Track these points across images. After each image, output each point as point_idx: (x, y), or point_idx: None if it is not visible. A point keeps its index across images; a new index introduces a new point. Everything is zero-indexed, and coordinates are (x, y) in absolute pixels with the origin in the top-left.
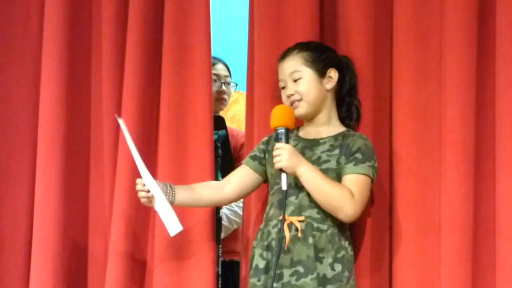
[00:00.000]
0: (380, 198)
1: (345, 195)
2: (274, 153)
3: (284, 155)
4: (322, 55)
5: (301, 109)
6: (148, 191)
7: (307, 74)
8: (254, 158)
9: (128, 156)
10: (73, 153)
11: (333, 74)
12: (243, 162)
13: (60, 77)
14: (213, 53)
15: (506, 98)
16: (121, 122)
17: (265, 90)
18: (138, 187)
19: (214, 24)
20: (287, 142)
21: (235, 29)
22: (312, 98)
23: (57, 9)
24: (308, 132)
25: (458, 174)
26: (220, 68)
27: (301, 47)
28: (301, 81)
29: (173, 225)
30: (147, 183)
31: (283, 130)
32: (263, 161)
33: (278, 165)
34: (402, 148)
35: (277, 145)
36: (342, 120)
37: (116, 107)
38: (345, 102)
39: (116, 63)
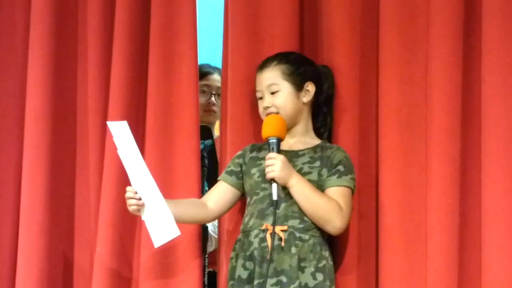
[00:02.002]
0: (366, 207)
1: (334, 208)
2: (267, 162)
3: (277, 165)
4: (300, 68)
5: None
6: (140, 199)
7: (285, 88)
8: (230, 173)
9: (114, 167)
10: (58, 163)
11: (310, 87)
12: (219, 178)
13: (45, 87)
14: (199, 62)
15: (491, 107)
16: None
17: (240, 100)
18: (129, 194)
19: (201, 34)
20: (278, 152)
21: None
22: (289, 112)
23: (42, 19)
24: (285, 144)
25: (444, 184)
26: (213, 79)
27: (280, 59)
28: (279, 94)
29: (160, 235)
30: (140, 190)
31: (275, 140)
32: (240, 174)
33: (270, 175)
34: (388, 157)
35: (270, 154)
36: (317, 129)
37: (102, 117)
38: (322, 112)
39: (102, 73)
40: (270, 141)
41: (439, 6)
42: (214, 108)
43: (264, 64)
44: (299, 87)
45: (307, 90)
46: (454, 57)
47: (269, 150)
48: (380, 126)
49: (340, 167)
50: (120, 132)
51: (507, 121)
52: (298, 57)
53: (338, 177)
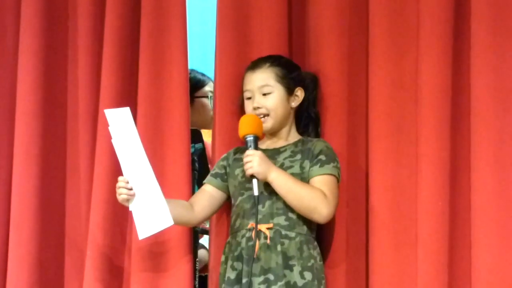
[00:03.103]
0: (357, 211)
1: (318, 196)
2: (245, 160)
3: (255, 161)
4: (292, 73)
5: (268, 124)
6: (131, 189)
7: (278, 91)
8: (215, 175)
9: (104, 170)
10: (49, 167)
11: (299, 93)
12: (204, 181)
13: (36, 90)
14: (190, 67)
15: (480, 110)
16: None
17: (228, 104)
18: (120, 183)
19: (191, 38)
20: (256, 149)
21: (213, 43)
22: (279, 115)
23: (32, 22)
24: (267, 144)
25: (434, 187)
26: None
27: (272, 61)
28: (271, 97)
29: (149, 226)
30: (132, 180)
31: (252, 138)
32: (225, 177)
33: (249, 171)
34: (378, 160)
35: (248, 152)
36: (303, 134)
37: (92, 121)
38: (304, 116)
39: (92, 77)
40: (247, 138)
41: (428, 9)
42: None
43: (255, 65)
44: (290, 91)
45: (296, 95)
46: (444, 60)
47: (247, 147)
48: (369, 129)
49: (322, 157)
50: (118, 120)
51: (497, 123)
52: (288, 62)
53: (320, 166)
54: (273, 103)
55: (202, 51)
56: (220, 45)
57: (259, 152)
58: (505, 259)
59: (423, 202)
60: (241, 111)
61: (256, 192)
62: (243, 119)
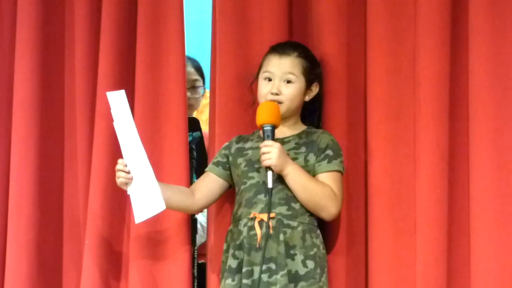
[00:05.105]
0: (356, 198)
1: (329, 194)
2: (263, 150)
3: (273, 153)
4: (315, 69)
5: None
6: (129, 173)
7: (300, 82)
8: (217, 164)
9: (102, 160)
10: (47, 156)
11: (314, 88)
12: (206, 169)
13: (33, 80)
14: (187, 54)
15: (478, 97)
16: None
17: (228, 92)
18: (119, 166)
19: (188, 26)
20: (273, 139)
21: (209, 31)
22: (294, 105)
23: (30, 12)
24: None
25: (432, 174)
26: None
27: (300, 52)
28: (292, 86)
29: (144, 210)
30: (130, 164)
31: (270, 128)
32: (227, 165)
33: (267, 162)
34: (377, 148)
35: (266, 142)
36: (305, 119)
37: (90, 110)
38: (309, 107)
39: (89, 65)
40: (265, 128)
41: None
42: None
43: (283, 51)
44: (309, 85)
45: (311, 90)
46: (442, 47)
47: (264, 137)
48: (368, 116)
49: (329, 152)
50: (117, 102)
51: (494, 111)
52: (313, 56)
53: (328, 162)
54: (292, 93)
55: (199, 39)
56: (220, 34)
57: (278, 144)
58: (504, 246)
59: (422, 189)
60: (242, 100)
61: (270, 185)
62: (263, 106)
